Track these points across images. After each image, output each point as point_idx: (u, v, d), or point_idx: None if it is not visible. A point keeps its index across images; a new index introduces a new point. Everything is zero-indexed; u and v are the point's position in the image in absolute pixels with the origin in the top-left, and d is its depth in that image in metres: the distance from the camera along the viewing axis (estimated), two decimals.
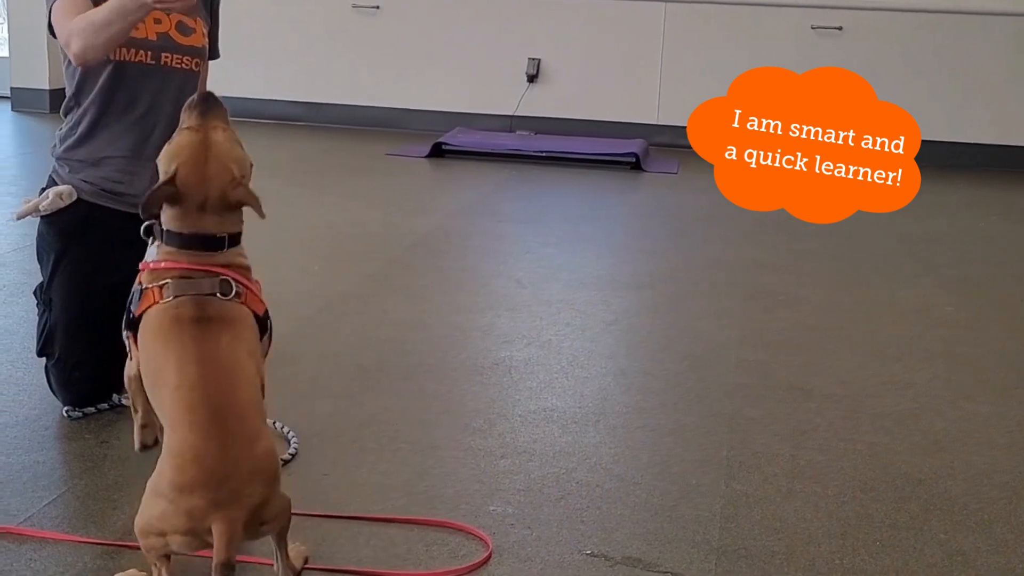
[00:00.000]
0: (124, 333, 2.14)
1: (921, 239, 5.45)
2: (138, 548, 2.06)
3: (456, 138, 7.64)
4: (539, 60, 8.29)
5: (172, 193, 2.03)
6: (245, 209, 2.12)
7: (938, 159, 7.69)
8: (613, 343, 3.68)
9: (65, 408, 2.76)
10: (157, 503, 1.86)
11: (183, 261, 2.05)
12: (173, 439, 1.90)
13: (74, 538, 2.16)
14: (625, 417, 2.98)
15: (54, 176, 2.81)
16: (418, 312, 3.87)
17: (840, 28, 7.85)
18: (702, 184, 6.79)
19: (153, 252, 2.10)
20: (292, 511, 1.95)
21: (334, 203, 5.75)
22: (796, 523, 2.40)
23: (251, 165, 2.14)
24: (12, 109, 8.38)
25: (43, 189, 2.80)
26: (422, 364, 3.32)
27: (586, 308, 4.00)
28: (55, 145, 2.82)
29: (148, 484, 1.89)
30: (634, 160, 7.21)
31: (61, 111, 2.83)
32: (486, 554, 2.17)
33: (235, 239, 2.13)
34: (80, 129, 2.77)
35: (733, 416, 3.00)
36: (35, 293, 2.86)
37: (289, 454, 2.59)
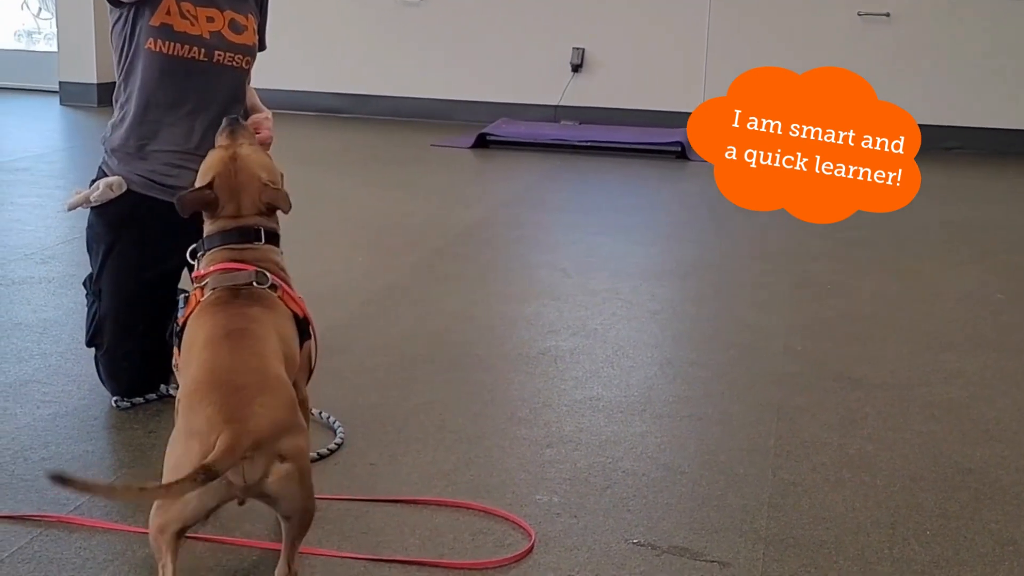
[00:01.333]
0: (172, 341, 2.18)
1: (974, 226, 5.38)
2: (192, 538, 2.08)
3: (501, 129, 7.63)
4: (583, 50, 8.26)
5: (210, 198, 2.21)
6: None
7: (993, 145, 7.58)
8: (659, 332, 3.66)
9: (114, 398, 2.79)
10: (170, 453, 1.83)
11: (222, 261, 2.17)
12: (191, 368, 1.93)
13: (123, 527, 2.18)
14: (671, 406, 2.96)
15: (104, 167, 2.84)
16: (464, 302, 3.87)
17: (888, 15, 7.75)
18: None
19: (198, 266, 2.24)
20: (337, 497, 1.95)
21: (379, 194, 5.77)
22: (845, 513, 2.37)
23: (281, 175, 2.31)
24: (60, 103, 8.48)
25: (93, 180, 2.82)
26: (468, 354, 3.32)
27: (631, 297, 3.98)
28: (105, 136, 2.85)
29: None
30: (679, 149, 7.16)
31: (113, 100, 2.86)
32: (529, 544, 2.17)
33: (271, 237, 2.25)
34: (128, 120, 2.79)
35: (781, 405, 2.98)
36: (84, 284, 2.89)
37: (335, 443, 2.60)
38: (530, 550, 2.15)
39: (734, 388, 3.12)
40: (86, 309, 2.87)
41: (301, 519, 1.90)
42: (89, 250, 2.87)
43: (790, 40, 7.90)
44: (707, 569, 2.12)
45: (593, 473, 2.53)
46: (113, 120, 2.84)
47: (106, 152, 2.84)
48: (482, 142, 7.33)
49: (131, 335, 2.75)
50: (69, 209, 2.83)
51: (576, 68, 8.27)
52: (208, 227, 2.26)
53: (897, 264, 4.61)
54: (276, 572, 1.93)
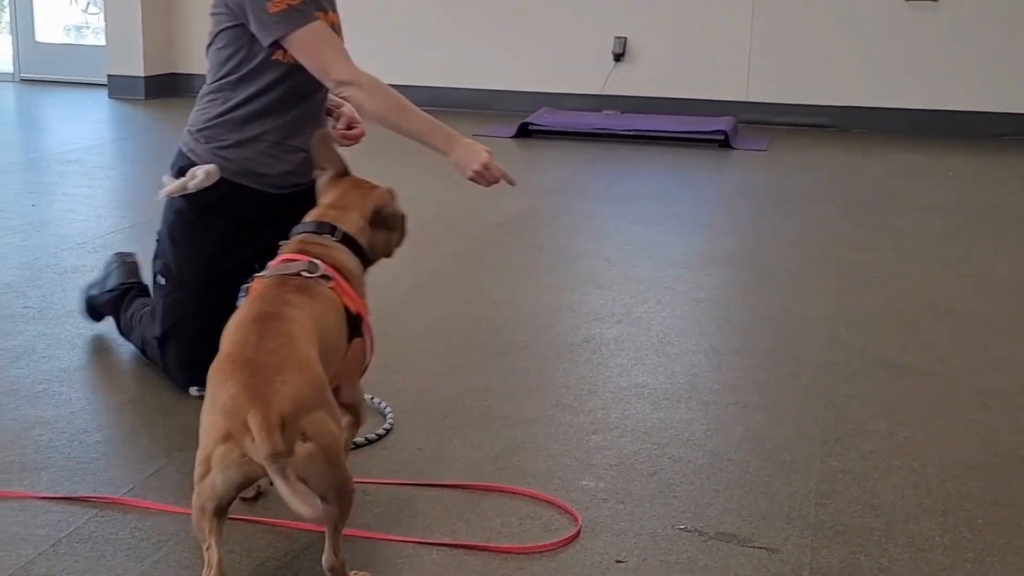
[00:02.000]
0: None
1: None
2: (241, 520, 2.11)
3: (543, 118, 7.63)
4: (625, 39, 8.23)
5: (336, 175, 2.36)
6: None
7: None
8: (704, 320, 3.65)
9: (192, 388, 2.77)
10: (200, 425, 1.83)
11: (288, 252, 2.19)
12: (222, 347, 1.95)
13: (175, 508, 2.21)
14: (717, 394, 2.96)
15: (190, 154, 2.81)
16: (508, 290, 3.88)
17: (936, 0, 7.66)
18: (793, 161, 6.71)
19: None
20: (386, 481, 1.95)
21: (422, 184, 5.78)
22: (894, 500, 2.36)
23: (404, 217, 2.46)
24: (109, 96, 8.58)
25: (178, 167, 2.81)
26: (513, 341, 3.32)
27: (676, 285, 3.98)
28: (195, 125, 2.82)
29: None
30: (723, 138, 7.13)
31: (205, 92, 2.82)
32: (576, 529, 2.17)
33: (348, 239, 2.26)
34: (236, 115, 2.77)
35: (828, 393, 2.96)
36: (159, 273, 2.86)
37: (385, 428, 2.62)
38: (577, 535, 2.16)
39: (780, 376, 3.10)
40: (157, 300, 2.88)
41: (337, 500, 1.87)
42: (169, 238, 2.85)
43: (836, 27, 7.83)
44: (755, 555, 2.12)
45: (639, 459, 2.53)
46: (209, 108, 2.80)
47: (193, 139, 2.82)
48: (524, 131, 7.33)
49: (211, 321, 2.72)
50: (166, 197, 2.82)
51: (618, 57, 8.25)
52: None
53: (945, 252, 4.57)
54: (323, 559, 1.93)
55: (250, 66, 2.74)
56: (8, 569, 1.98)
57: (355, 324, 2.20)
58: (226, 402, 1.77)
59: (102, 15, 9.07)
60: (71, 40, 9.79)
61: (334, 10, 2.89)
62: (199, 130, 2.82)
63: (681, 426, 2.72)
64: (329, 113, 2.95)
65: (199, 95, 2.86)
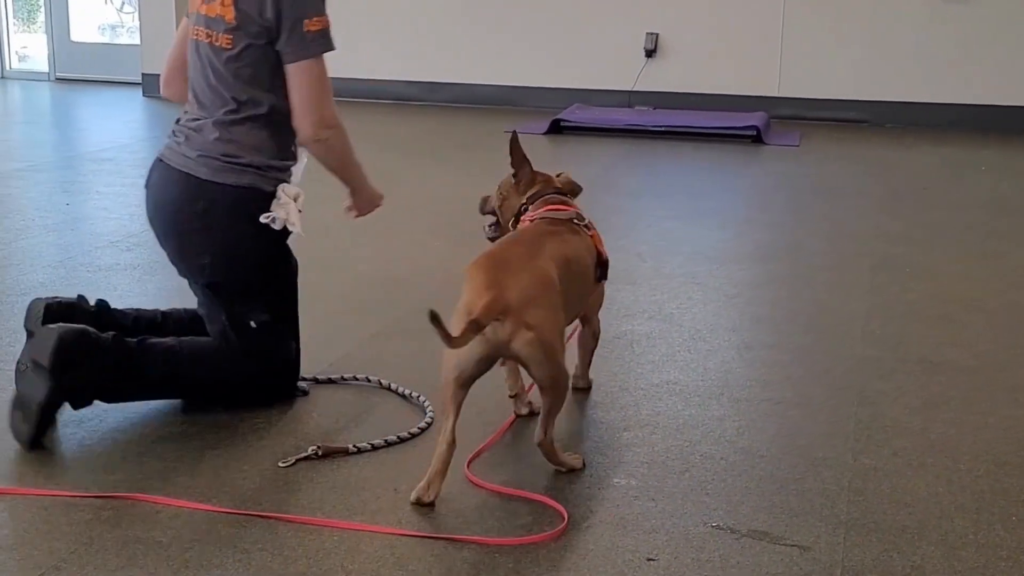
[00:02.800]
0: None
1: None
2: (273, 518, 2.12)
3: (574, 114, 7.61)
4: (657, 35, 8.21)
5: (531, 168, 2.81)
6: None
7: None
8: (736, 316, 3.63)
9: (300, 385, 2.83)
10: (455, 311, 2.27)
11: (550, 205, 2.69)
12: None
13: (207, 507, 2.22)
14: (749, 390, 2.94)
15: (258, 184, 2.68)
16: None
17: None
18: (825, 156, 6.66)
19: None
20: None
21: (454, 180, 5.79)
22: (928, 497, 2.34)
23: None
24: (143, 95, 8.65)
25: (261, 209, 2.67)
26: None
27: (707, 281, 3.96)
28: (257, 157, 2.68)
29: None
30: (755, 133, 7.09)
31: (242, 118, 2.67)
32: (563, 525, 2.17)
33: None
34: (280, 129, 2.71)
35: (861, 389, 2.94)
36: (254, 311, 2.72)
37: (425, 423, 2.64)
38: (564, 530, 2.15)
39: (813, 372, 3.08)
40: (254, 335, 2.72)
41: (551, 389, 2.31)
42: (263, 270, 2.73)
43: (869, 23, 7.76)
44: (787, 553, 2.10)
45: (671, 456, 2.52)
46: (254, 139, 2.66)
47: (261, 172, 2.67)
48: (556, 128, 7.32)
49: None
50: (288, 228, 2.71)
51: (650, 53, 8.22)
52: (522, 194, 2.75)
53: (980, 247, 4.52)
54: (534, 436, 2.36)
55: (276, 78, 2.65)
56: (41, 567, 2.00)
57: (603, 268, 2.70)
58: (473, 288, 2.25)
59: (136, 14, 9.15)
60: (106, 39, 9.88)
61: None
62: (264, 165, 2.67)
63: (713, 423, 2.71)
64: None
65: (222, 119, 2.67)
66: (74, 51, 9.58)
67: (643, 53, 8.21)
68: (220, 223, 2.65)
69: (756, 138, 7.08)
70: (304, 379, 2.86)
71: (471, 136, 7.27)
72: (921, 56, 7.73)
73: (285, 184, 2.70)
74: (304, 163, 2.79)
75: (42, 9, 9.92)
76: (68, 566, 2.00)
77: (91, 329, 2.53)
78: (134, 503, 2.24)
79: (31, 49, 10.47)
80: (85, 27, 9.72)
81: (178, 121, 2.77)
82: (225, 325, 2.70)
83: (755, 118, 7.28)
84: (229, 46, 2.64)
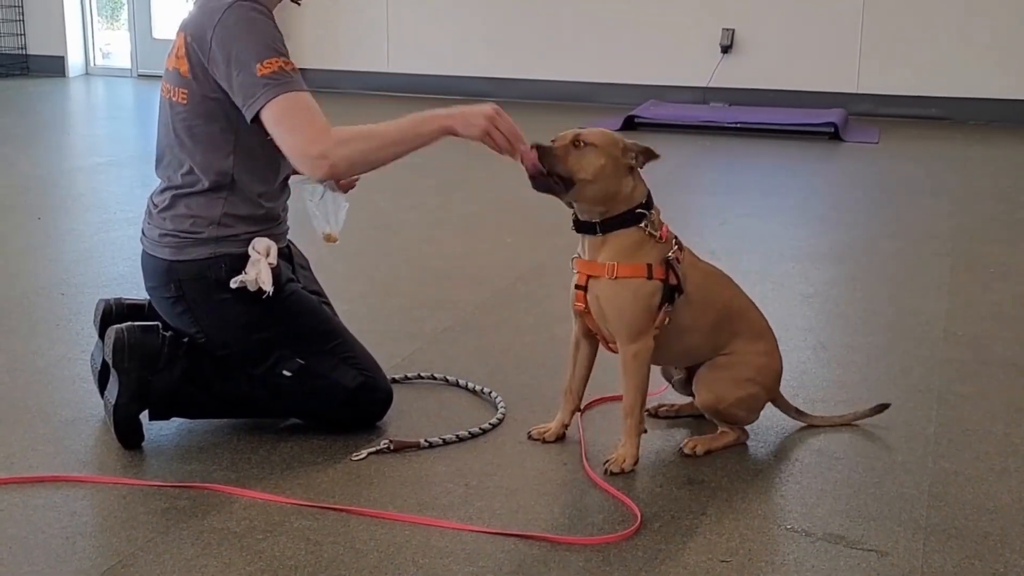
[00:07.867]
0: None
1: None
2: (344, 511, 2.13)
3: (649, 111, 7.57)
4: (733, 31, 8.13)
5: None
6: None
7: None
8: (812, 316, 3.58)
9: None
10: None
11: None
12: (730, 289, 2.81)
13: (282, 499, 2.24)
14: (825, 391, 2.89)
15: (226, 245, 2.52)
16: None
17: None
18: (905, 154, 6.55)
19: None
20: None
21: (525, 176, 5.78)
22: (1011, 503, 2.28)
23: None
24: None
25: (228, 273, 2.50)
26: None
27: (783, 280, 3.90)
28: (199, 226, 2.53)
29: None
30: (833, 130, 7.00)
31: (212, 188, 2.52)
32: (636, 525, 2.15)
33: None
34: (254, 191, 2.55)
35: (941, 392, 2.88)
36: (287, 371, 2.55)
37: (497, 419, 2.64)
38: (639, 528, 2.13)
39: (891, 373, 3.03)
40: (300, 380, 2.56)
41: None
42: (274, 317, 2.54)
43: (950, 17, 7.61)
44: (864, 558, 2.06)
45: (745, 457, 2.49)
46: (213, 211, 2.51)
47: (224, 240, 2.51)
48: (630, 124, 7.29)
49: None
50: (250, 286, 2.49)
51: (726, 49, 8.15)
52: (632, 201, 2.74)
53: None
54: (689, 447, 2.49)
55: (241, 145, 2.49)
56: (119, 555, 2.03)
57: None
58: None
59: None
60: None
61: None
62: (219, 226, 2.51)
63: (788, 423, 2.67)
64: None
65: (180, 190, 2.54)
66: (156, 48, 9.74)
67: (719, 49, 8.15)
68: (195, 298, 2.52)
69: (834, 135, 6.98)
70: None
71: (544, 133, 7.24)
72: (1003, 51, 7.56)
73: (257, 239, 2.51)
74: (344, 207, 2.61)
75: (125, 7, 10.10)
76: (144, 554, 2.03)
77: (160, 329, 2.52)
78: (209, 493, 2.27)
79: (114, 46, 10.69)
80: (167, 24, 9.88)
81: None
82: (261, 384, 2.57)
83: (833, 114, 7.18)
84: (184, 101, 2.48)
